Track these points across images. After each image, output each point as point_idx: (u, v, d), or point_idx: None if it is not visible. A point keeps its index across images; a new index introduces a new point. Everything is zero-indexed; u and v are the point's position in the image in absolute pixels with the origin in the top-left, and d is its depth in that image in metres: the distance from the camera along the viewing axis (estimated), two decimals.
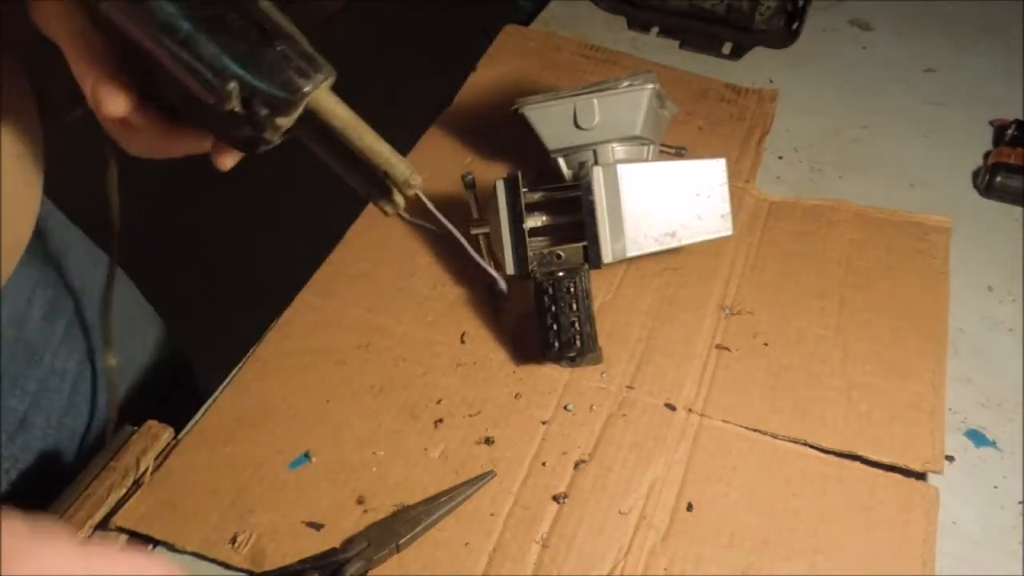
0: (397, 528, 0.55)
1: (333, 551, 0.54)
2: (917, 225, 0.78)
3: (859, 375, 0.66)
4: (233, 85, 0.40)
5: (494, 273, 0.67)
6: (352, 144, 0.44)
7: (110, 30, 0.42)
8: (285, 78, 0.41)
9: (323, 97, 0.42)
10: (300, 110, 0.42)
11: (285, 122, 0.42)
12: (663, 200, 0.67)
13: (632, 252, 0.66)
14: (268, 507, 0.57)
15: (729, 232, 0.69)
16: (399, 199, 0.47)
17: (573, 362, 0.65)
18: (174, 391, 0.80)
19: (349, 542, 0.54)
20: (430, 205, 0.52)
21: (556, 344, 0.64)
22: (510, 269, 0.66)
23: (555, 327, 0.64)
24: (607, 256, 0.66)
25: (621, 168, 0.66)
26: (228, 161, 0.48)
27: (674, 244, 0.68)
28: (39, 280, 0.65)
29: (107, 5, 0.40)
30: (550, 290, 0.64)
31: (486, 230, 0.68)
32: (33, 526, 0.35)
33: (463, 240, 0.58)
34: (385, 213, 0.48)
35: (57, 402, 0.67)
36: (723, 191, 0.68)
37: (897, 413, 0.63)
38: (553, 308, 0.64)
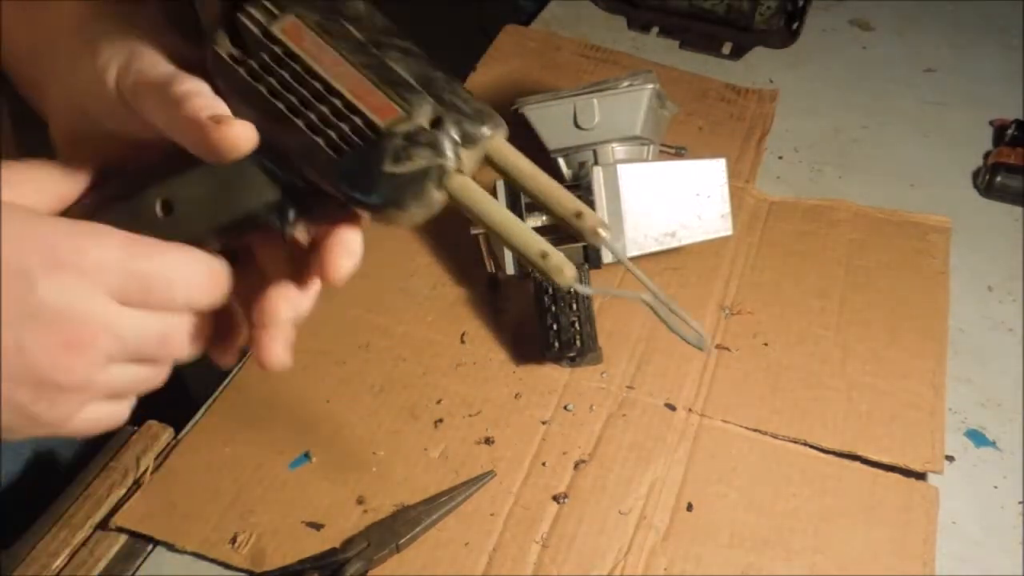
0: (397, 528, 0.55)
1: (333, 551, 0.54)
2: (917, 225, 0.78)
3: (859, 375, 0.66)
4: (428, 100, 0.36)
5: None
6: (533, 192, 0.38)
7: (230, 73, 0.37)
8: (479, 108, 0.37)
9: (503, 144, 0.38)
10: (482, 151, 0.38)
11: (468, 157, 0.37)
12: (663, 200, 0.67)
13: (632, 252, 0.67)
14: (268, 507, 0.57)
15: (729, 232, 0.69)
16: (569, 271, 0.38)
17: (573, 362, 0.65)
18: (173, 391, 0.80)
19: (349, 542, 0.54)
20: (626, 262, 0.43)
21: (556, 344, 0.64)
22: (510, 269, 0.66)
23: (555, 327, 0.64)
24: (607, 256, 0.66)
25: (621, 168, 0.66)
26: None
27: (674, 244, 0.68)
28: None
29: (290, 22, 0.37)
30: (550, 290, 0.64)
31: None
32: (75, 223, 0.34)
33: (661, 298, 0.46)
34: (556, 282, 0.38)
35: None
36: (723, 191, 0.68)
37: (897, 413, 0.63)
38: (553, 308, 0.64)
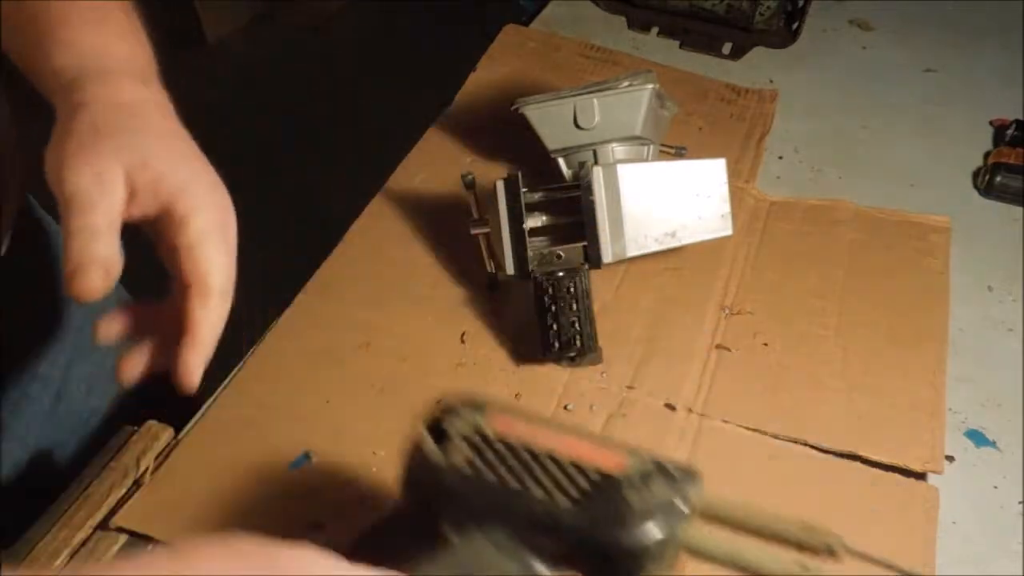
0: None
1: None
2: (917, 225, 0.78)
3: (859, 375, 0.66)
4: (639, 451, 0.40)
5: None
6: (757, 523, 0.41)
7: None
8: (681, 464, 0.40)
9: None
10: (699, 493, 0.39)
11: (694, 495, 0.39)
12: (663, 200, 0.67)
13: (632, 252, 0.66)
14: (268, 507, 0.57)
15: (729, 232, 0.69)
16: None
17: (573, 362, 0.65)
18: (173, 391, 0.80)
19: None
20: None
21: (556, 344, 0.64)
22: (510, 269, 0.66)
23: (555, 327, 0.64)
24: (607, 256, 0.66)
25: (621, 168, 0.66)
26: None
27: (674, 244, 0.68)
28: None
29: (497, 416, 0.42)
30: (550, 290, 0.64)
31: (486, 230, 0.68)
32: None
33: None
34: None
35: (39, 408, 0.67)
36: (723, 191, 0.68)
37: (897, 414, 0.63)
38: (553, 308, 0.64)
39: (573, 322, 0.64)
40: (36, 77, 0.48)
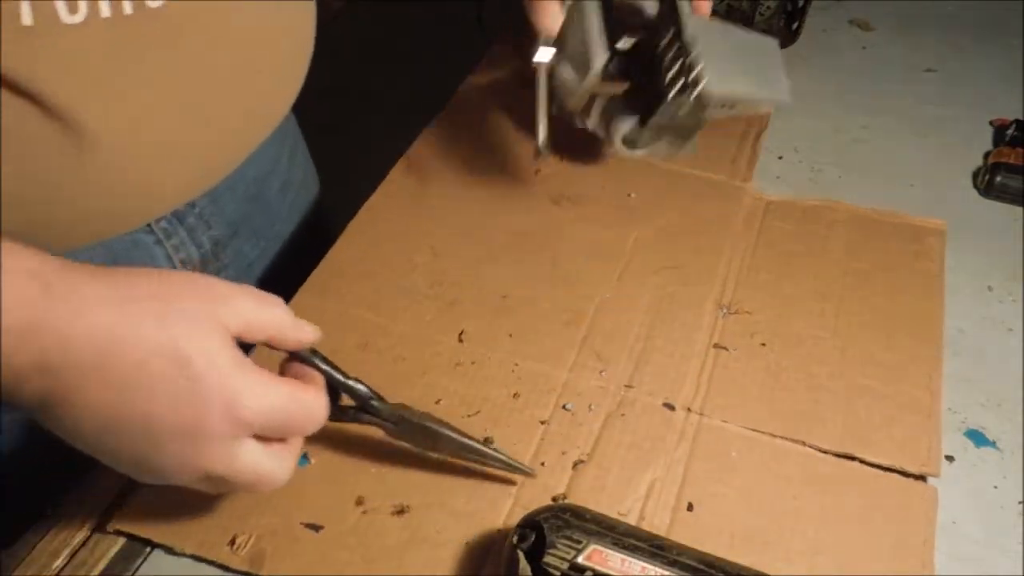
0: (423, 435, 0.56)
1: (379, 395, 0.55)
2: (913, 228, 0.78)
3: (857, 377, 0.66)
4: None
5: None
6: None
7: None
8: None
9: None
10: None
11: None
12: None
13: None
14: (267, 508, 0.57)
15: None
16: None
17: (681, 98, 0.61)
18: None
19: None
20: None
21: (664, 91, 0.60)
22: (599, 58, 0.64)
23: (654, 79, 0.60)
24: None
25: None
26: None
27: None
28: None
29: (592, 550, 0.48)
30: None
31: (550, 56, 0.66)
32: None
33: None
34: None
35: None
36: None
37: (895, 416, 0.63)
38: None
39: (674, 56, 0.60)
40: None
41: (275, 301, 0.49)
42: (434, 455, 0.57)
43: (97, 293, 0.42)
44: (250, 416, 0.45)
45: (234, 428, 0.45)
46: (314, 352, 0.52)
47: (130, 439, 0.44)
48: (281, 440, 0.49)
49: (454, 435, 0.56)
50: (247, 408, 0.45)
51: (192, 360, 0.43)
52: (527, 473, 0.58)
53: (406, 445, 0.56)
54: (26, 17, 0.49)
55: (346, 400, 0.54)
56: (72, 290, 0.41)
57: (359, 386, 0.54)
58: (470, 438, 0.57)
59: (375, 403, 0.55)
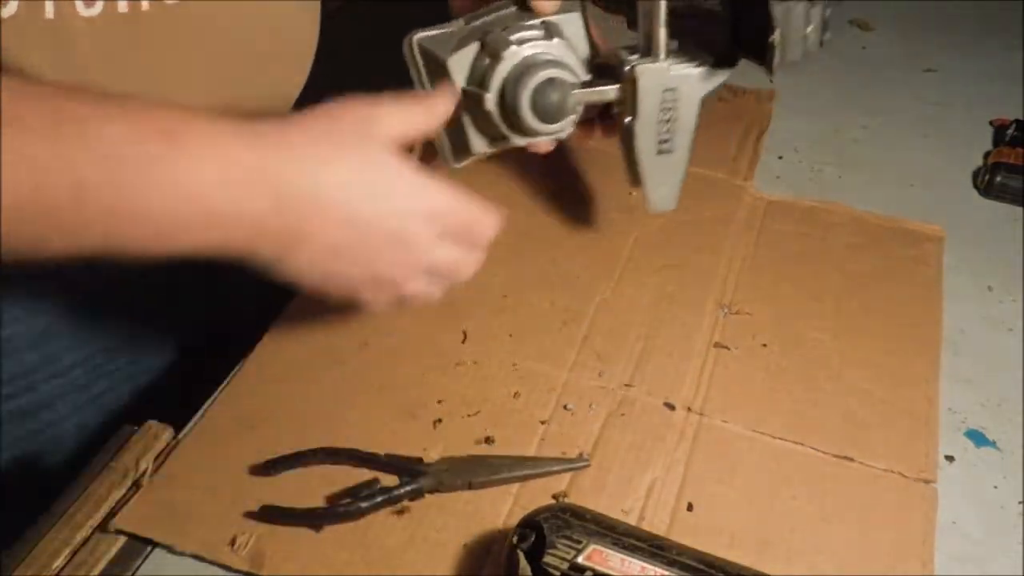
0: (475, 468, 0.58)
1: (419, 460, 0.57)
2: (911, 233, 0.78)
3: (855, 380, 0.66)
4: None
5: None
6: None
7: None
8: None
9: None
10: None
11: None
12: None
13: None
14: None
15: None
16: None
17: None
18: (173, 391, 0.81)
19: (430, 461, 0.58)
20: None
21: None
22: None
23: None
24: None
25: None
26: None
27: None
28: None
29: (592, 550, 0.48)
30: None
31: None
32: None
33: None
34: None
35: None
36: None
37: (892, 420, 0.63)
38: None
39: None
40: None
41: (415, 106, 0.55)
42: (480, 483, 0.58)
43: (297, 136, 0.48)
44: (440, 206, 0.53)
45: (429, 222, 0.52)
46: None
47: (354, 258, 0.51)
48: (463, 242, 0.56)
49: (504, 455, 0.59)
50: (434, 200, 0.52)
51: (381, 175, 0.50)
52: (585, 465, 0.59)
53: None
54: (49, 11, 0.51)
55: (387, 481, 0.57)
56: (281, 136, 0.47)
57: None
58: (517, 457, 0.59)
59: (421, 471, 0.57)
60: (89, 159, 0.41)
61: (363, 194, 0.49)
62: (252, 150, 0.45)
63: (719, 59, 0.63)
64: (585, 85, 0.62)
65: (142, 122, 0.42)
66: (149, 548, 0.55)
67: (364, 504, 0.55)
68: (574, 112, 0.62)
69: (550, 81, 0.59)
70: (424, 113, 0.55)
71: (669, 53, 0.61)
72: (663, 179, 0.67)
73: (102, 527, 0.56)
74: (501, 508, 0.57)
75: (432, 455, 0.59)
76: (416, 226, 0.52)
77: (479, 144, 0.64)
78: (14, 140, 0.39)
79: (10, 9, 0.49)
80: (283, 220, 0.47)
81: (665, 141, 0.65)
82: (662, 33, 0.60)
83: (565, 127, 0.62)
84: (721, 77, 0.64)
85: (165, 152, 0.42)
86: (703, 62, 0.63)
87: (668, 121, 0.64)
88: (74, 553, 0.54)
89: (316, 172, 0.47)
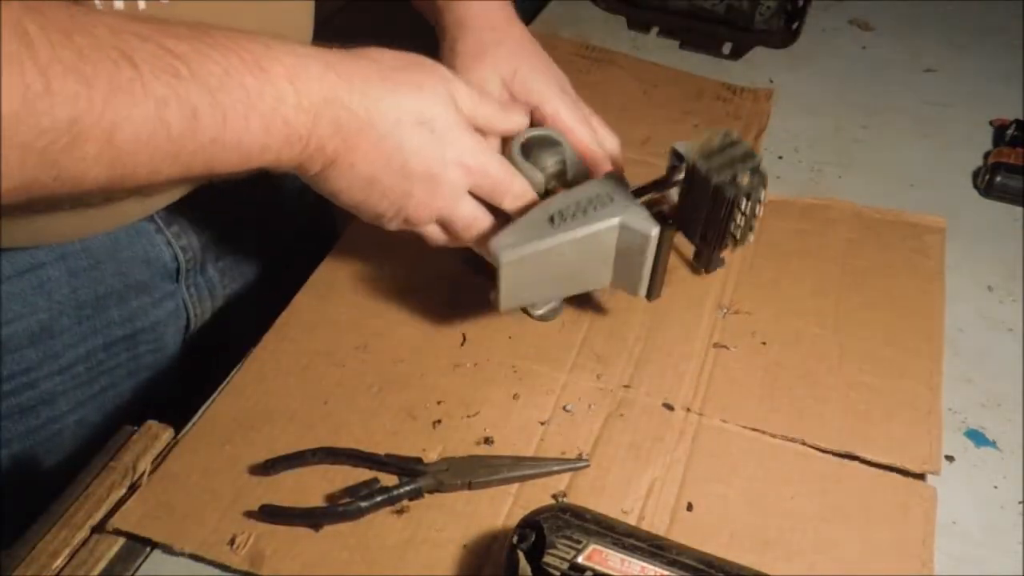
0: (475, 468, 0.58)
1: (419, 460, 0.58)
2: (913, 226, 0.78)
3: (857, 375, 0.66)
4: None
5: None
6: None
7: None
8: None
9: None
10: None
11: None
12: None
13: None
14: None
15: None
16: None
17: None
18: (173, 391, 0.80)
19: (429, 461, 0.58)
20: None
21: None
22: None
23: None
24: None
25: None
26: None
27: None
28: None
29: (592, 549, 0.48)
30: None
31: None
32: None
33: None
34: None
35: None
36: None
37: (895, 413, 0.63)
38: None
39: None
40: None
41: (486, 90, 0.62)
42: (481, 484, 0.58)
43: (367, 72, 0.53)
44: (473, 165, 0.57)
45: (461, 174, 0.57)
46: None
47: (390, 186, 0.55)
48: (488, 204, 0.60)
49: (503, 455, 0.59)
50: (472, 158, 0.57)
51: (435, 120, 0.55)
52: (584, 465, 0.59)
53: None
54: None
55: (387, 480, 0.57)
56: (351, 71, 0.52)
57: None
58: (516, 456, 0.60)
59: (420, 470, 0.57)
60: (200, 92, 0.45)
61: (416, 136, 0.54)
62: (323, 81, 0.51)
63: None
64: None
65: (235, 57, 0.47)
66: (148, 549, 0.55)
67: (364, 504, 0.55)
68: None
69: None
70: (499, 108, 0.60)
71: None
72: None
73: (101, 528, 0.56)
74: (501, 508, 0.57)
75: (432, 455, 0.59)
76: (454, 175, 0.56)
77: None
78: (133, 76, 0.42)
79: None
80: (337, 144, 0.52)
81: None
82: None
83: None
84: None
85: (260, 86, 0.48)
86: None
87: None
88: (74, 553, 0.54)
89: (378, 104, 0.53)
